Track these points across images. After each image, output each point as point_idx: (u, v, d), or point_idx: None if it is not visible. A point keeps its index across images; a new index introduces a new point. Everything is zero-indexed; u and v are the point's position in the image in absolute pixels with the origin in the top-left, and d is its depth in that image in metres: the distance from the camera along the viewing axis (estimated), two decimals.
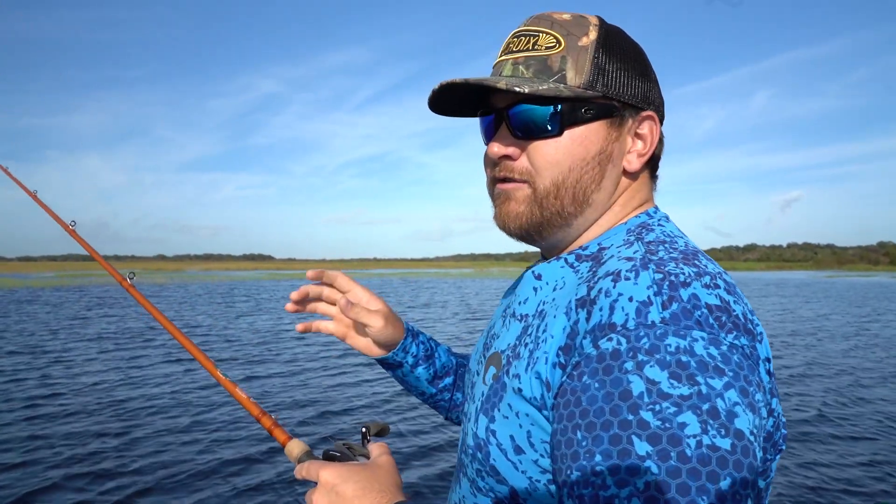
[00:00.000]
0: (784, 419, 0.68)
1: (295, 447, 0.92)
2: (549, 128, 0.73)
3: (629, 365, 0.55)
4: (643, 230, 0.73)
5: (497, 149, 0.76)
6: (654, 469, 0.51)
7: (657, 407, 0.52)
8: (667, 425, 0.52)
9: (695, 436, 0.51)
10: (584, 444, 0.55)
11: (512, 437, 0.67)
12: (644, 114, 0.75)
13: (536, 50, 0.73)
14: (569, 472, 0.56)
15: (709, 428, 0.52)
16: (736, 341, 0.58)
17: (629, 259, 0.65)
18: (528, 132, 0.74)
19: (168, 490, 4.50)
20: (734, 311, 0.60)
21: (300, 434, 5.82)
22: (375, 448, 0.83)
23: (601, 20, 0.76)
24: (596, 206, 0.76)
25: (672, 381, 0.53)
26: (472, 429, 0.74)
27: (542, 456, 0.65)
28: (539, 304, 0.74)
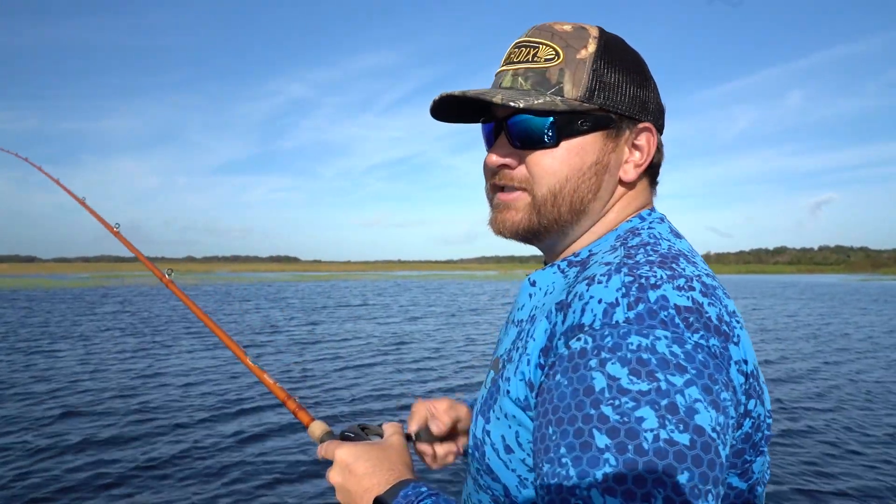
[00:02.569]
0: (770, 420, 0.68)
1: (317, 428, 0.99)
2: (547, 139, 0.74)
3: (593, 362, 0.57)
4: (630, 235, 0.74)
5: (495, 158, 0.78)
6: (613, 461, 0.53)
7: (616, 402, 0.54)
8: (625, 419, 0.53)
9: (652, 430, 0.53)
10: (553, 437, 0.58)
11: (503, 437, 0.70)
12: (641, 125, 0.75)
13: (536, 62, 0.75)
14: (541, 464, 0.59)
15: (667, 423, 0.53)
16: (702, 341, 0.58)
17: (607, 264, 0.67)
18: (526, 142, 0.75)
19: (192, 469, 4.90)
20: (707, 312, 0.61)
21: (323, 415, 6.20)
22: (389, 428, 0.89)
23: (601, 31, 0.76)
24: (591, 213, 0.77)
25: (632, 377, 0.55)
26: (472, 429, 0.78)
27: (528, 455, 0.68)
28: (532, 310, 0.76)
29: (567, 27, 0.76)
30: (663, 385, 0.54)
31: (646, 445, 0.52)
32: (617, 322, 0.59)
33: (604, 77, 0.74)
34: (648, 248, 0.70)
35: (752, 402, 0.65)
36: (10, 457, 5.17)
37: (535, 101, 0.72)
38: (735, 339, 0.62)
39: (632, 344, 0.57)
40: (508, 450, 0.70)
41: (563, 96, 0.73)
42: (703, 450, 0.53)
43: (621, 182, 0.77)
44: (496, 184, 0.80)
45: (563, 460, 0.55)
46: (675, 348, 0.57)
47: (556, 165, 0.75)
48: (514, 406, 0.68)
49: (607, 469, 0.53)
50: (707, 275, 0.67)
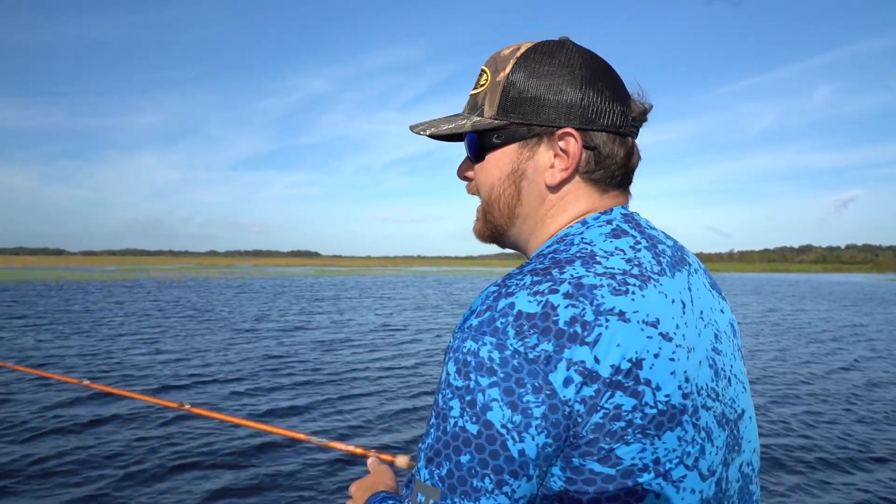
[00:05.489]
0: (648, 410, 0.65)
1: (402, 462, 1.12)
2: (478, 154, 0.85)
3: (445, 358, 0.71)
4: (557, 241, 0.79)
5: (458, 172, 0.92)
6: (433, 434, 0.69)
7: (444, 392, 0.69)
8: (443, 406, 0.68)
9: (455, 418, 0.67)
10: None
11: None
12: (561, 131, 0.79)
13: (475, 88, 0.85)
14: None
15: (465, 414, 0.66)
16: (521, 347, 0.65)
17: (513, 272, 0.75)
18: (474, 158, 0.86)
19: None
20: (556, 316, 0.65)
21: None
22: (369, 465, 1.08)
23: (531, 47, 0.81)
24: (526, 217, 0.84)
25: (456, 375, 0.67)
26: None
27: None
28: None
29: (507, 51, 0.83)
30: (472, 384, 0.66)
31: (449, 428, 0.67)
32: (466, 327, 0.69)
33: (516, 93, 0.80)
34: (549, 256, 0.75)
35: (608, 394, 0.64)
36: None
37: (444, 126, 0.85)
38: (589, 340, 0.64)
39: (464, 347, 0.68)
40: None
41: (482, 117, 0.83)
42: (488, 441, 0.65)
43: (550, 187, 0.81)
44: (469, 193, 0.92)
45: (429, 428, 0.72)
46: (495, 353, 0.65)
47: (484, 177, 0.86)
48: None
49: (430, 439, 0.69)
50: (604, 273, 0.69)
